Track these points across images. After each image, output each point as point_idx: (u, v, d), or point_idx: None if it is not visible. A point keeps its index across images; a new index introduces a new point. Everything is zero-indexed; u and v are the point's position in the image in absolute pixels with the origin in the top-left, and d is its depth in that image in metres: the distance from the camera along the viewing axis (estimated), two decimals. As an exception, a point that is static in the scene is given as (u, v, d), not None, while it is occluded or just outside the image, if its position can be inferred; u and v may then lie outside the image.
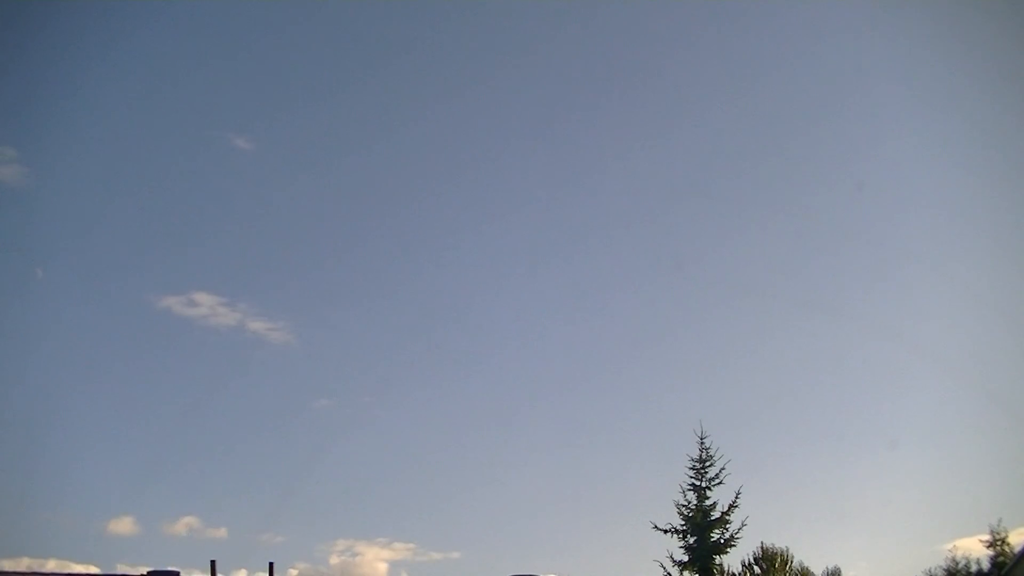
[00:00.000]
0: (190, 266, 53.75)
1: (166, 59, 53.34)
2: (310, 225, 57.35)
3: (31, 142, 46.01)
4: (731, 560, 30.13)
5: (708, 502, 29.29)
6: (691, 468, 29.67)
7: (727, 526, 28.97)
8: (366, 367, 53.86)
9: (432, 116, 59.50)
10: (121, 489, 41.31)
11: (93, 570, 22.02)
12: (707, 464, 29.56)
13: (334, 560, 44.92)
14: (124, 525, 41.65)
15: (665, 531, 29.17)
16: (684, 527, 29.12)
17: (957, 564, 38.50)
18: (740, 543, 29.04)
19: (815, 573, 34.72)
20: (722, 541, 28.88)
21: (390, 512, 45.88)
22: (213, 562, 19.94)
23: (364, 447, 48.34)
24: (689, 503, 29.38)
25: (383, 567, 45.65)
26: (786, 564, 32.98)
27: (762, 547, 33.10)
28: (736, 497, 28.94)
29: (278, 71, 56.71)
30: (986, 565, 37.77)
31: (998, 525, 37.86)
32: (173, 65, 53.64)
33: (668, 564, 28.92)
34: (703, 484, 29.48)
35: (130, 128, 54.00)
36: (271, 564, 20.73)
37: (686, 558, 28.89)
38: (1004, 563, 35.22)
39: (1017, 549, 34.30)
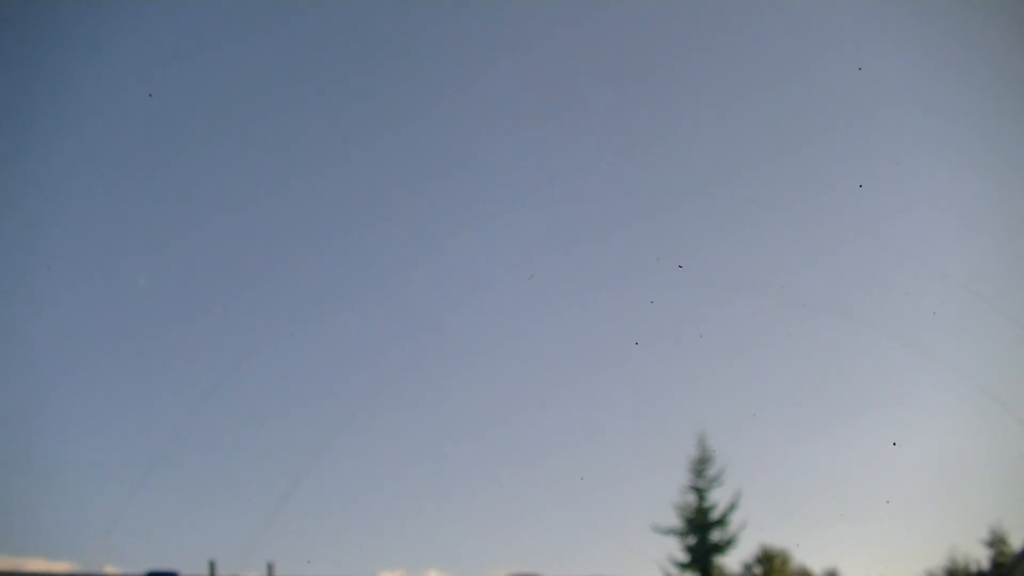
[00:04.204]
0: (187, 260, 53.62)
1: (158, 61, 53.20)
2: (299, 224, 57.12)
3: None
4: (731, 561, 30.23)
5: (708, 503, 29.38)
6: (691, 469, 29.81)
7: (727, 527, 29.08)
8: (360, 368, 53.73)
9: (429, 115, 59.46)
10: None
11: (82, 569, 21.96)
12: (707, 465, 29.67)
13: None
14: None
15: (665, 532, 29.31)
16: (684, 528, 29.20)
17: (957, 564, 38.45)
18: (740, 544, 29.21)
19: (815, 573, 34.70)
20: (722, 542, 28.96)
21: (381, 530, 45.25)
22: (213, 562, 19.98)
23: (351, 456, 47.90)
24: (689, 504, 29.48)
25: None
26: (785, 565, 32.96)
27: (762, 548, 33.12)
28: (736, 498, 29.12)
29: (270, 71, 56.65)
30: (986, 565, 37.73)
31: (998, 525, 37.86)
32: (164, 67, 53.49)
33: (668, 565, 29.06)
34: (703, 485, 29.57)
35: (129, 126, 53.91)
36: (270, 565, 20.75)
37: (686, 559, 28.96)
38: (1004, 563, 35.20)
39: (1017, 549, 34.28)
